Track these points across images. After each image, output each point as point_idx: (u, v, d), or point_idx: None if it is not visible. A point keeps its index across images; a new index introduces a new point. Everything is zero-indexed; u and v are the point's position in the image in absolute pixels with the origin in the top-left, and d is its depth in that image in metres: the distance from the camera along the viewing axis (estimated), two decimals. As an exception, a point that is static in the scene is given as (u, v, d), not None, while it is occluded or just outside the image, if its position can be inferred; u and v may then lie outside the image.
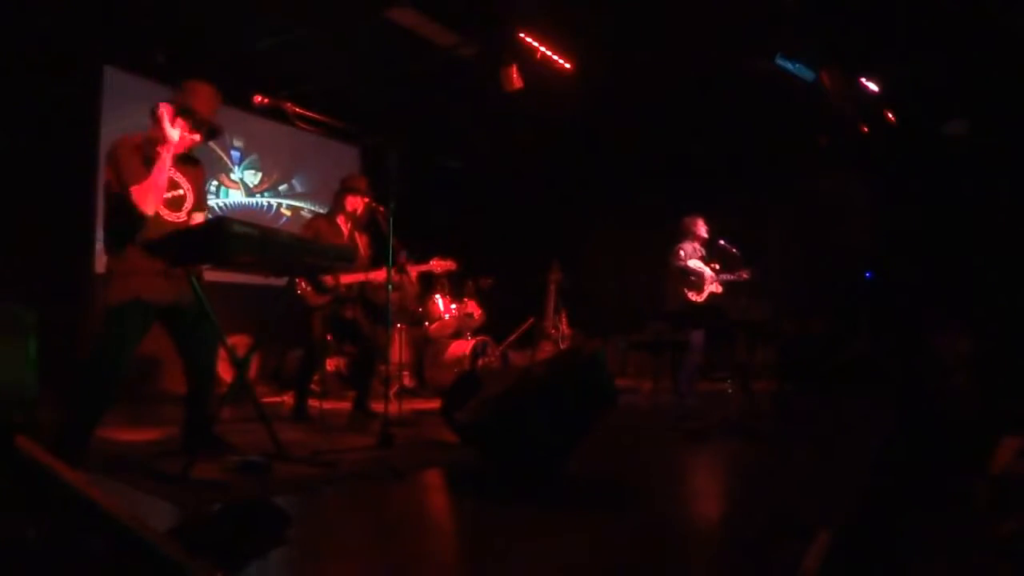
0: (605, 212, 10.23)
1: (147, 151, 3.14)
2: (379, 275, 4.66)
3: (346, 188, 4.82)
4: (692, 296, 6.40)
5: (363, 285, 4.80)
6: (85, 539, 1.41)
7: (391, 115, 8.11)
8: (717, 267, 6.61)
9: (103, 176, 3.22)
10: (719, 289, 6.49)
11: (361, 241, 4.90)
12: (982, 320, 6.88)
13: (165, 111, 3.16)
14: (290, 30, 6.12)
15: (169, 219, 3.20)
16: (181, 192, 3.31)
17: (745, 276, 6.53)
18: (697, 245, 6.55)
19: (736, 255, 6.63)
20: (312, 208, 8.15)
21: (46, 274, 5.41)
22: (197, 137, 3.32)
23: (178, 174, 3.30)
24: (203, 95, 3.29)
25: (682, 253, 6.43)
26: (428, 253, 5.31)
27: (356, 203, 4.79)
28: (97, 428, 3.09)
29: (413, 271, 5.06)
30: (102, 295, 3.15)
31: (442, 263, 5.09)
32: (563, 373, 3.12)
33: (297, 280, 4.65)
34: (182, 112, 3.22)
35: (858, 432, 4.55)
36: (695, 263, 6.44)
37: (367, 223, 4.92)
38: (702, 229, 6.62)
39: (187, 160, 3.37)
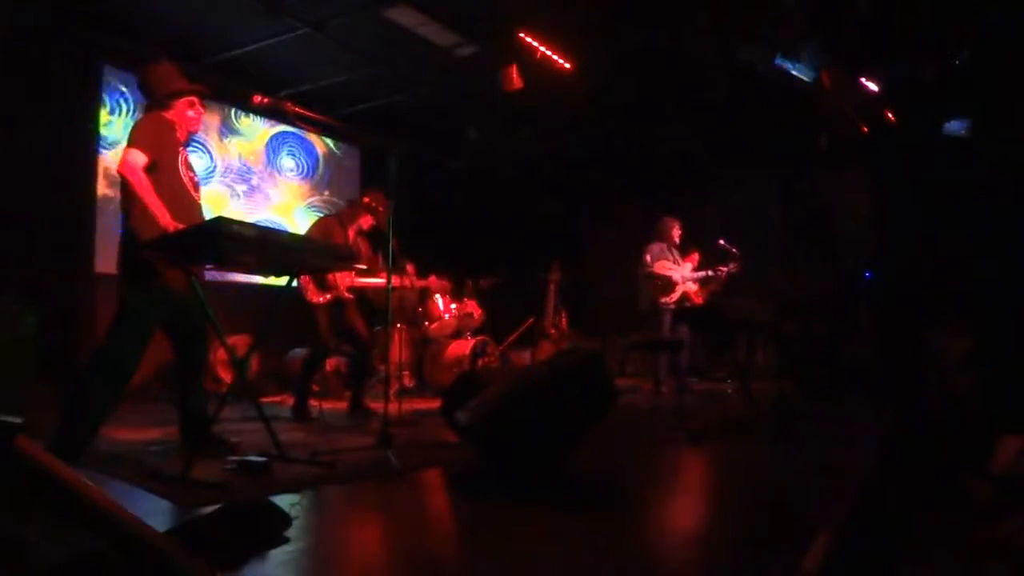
0: (605, 212, 10.23)
1: (168, 132, 3.25)
2: (379, 283, 4.75)
3: (367, 209, 5.00)
4: (663, 299, 6.47)
5: (363, 289, 4.89)
6: (85, 539, 1.41)
7: (391, 115, 8.11)
8: (691, 265, 6.66)
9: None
10: (694, 287, 6.54)
11: (364, 246, 5.04)
12: (982, 320, 6.88)
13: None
14: (290, 29, 6.12)
15: (195, 197, 3.31)
16: (196, 178, 3.40)
17: (722, 272, 6.57)
18: (664, 247, 6.62)
19: (736, 254, 6.64)
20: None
21: (46, 274, 5.41)
22: (201, 109, 3.42)
23: (188, 160, 3.39)
24: (164, 72, 3.33)
25: (648, 257, 6.53)
26: (427, 253, 5.33)
27: (369, 223, 5.02)
28: (104, 424, 3.08)
29: (413, 282, 5.13)
30: (126, 280, 3.12)
31: (440, 282, 5.21)
32: (563, 373, 3.12)
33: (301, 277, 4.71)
34: (176, 95, 3.30)
35: (858, 432, 4.55)
36: (666, 265, 6.49)
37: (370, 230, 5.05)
38: (675, 232, 6.71)
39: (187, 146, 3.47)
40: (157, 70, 3.33)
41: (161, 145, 3.17)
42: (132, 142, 3.08)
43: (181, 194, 3.20)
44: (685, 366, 6.73)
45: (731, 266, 6.56)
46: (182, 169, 3.26)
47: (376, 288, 4.94)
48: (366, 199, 5.03)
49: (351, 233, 4.98)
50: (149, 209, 2.99)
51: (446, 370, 6.68)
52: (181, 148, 3.32)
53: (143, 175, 3.03)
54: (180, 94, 3.32)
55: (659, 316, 6.53)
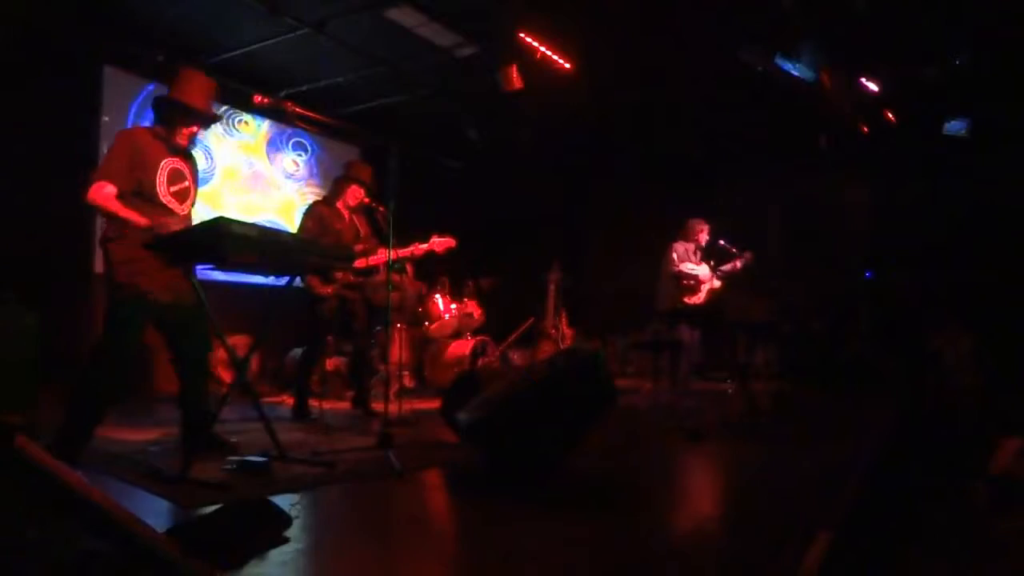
0: (605, 212, 10.22)
1: (149, 148, 3.17)
2: (380, 260, 4.69)
3: (352, 179, 4.85)
4: (688, 299, 6.42)
5: (364, 280, 4.83)
6: (85, 539, 1.41)
7: (391, 115, 8.11)
8: (712, 264, 6.63)
9: None
10: (718, 285, 6.51)
11: (361, 224, 4.95)
12: (983, 320, 6.89)
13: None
14: (290, 29, 6.12)
15: (177, 211, 3.23)
16: (186, 184, 3.32)
17: (739, 264, 6.53)
18: (691, 248, 6.56)
19: (736, 255, 6.64)
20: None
21: (46, 274, 5.40)
22: (195, 128, 3.34)
23: (183, 167, 3.32)
24: (198, 84, 3.30)
25: (675, 256, 6.46)
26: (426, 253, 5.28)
27: (359, 195, 4.82)
28: (99, 425, 3.09)
29: (415, 250, 5.00)
30: (107, 290, 3.13)
31: (442, 240, 5.05)
32: (563, 373, 3.12)
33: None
34: (179, 110, 3.23)
35: (858, 432, 4.55)
36: (689, 266, 6.46)
37: (363, 208, 4.93)
38: (703, 234, 6.64)
39: (186, 153, 3.39)
40: (194, 77, 3.29)
41: (139, 166, 3.10)
42: (101, 174, 3.03)
43: (161, 214, 3.10)
44: (689, 367, 6.70)
45: (746, 256, 6.53)
46: (162, 188, 3.17)
47: (376, 286, 4.88)
48: (349, 170, 4.91)
49: (345, 213, 4.84)
50: (127, 220, 3.00)
51: (446, 370, 6.68)
52: (166, 158, 3.21)
53: (112, 202, 3.01)
54: (195, 117, 3.26)
55: (679, 317, 6.48)
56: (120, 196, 3.04)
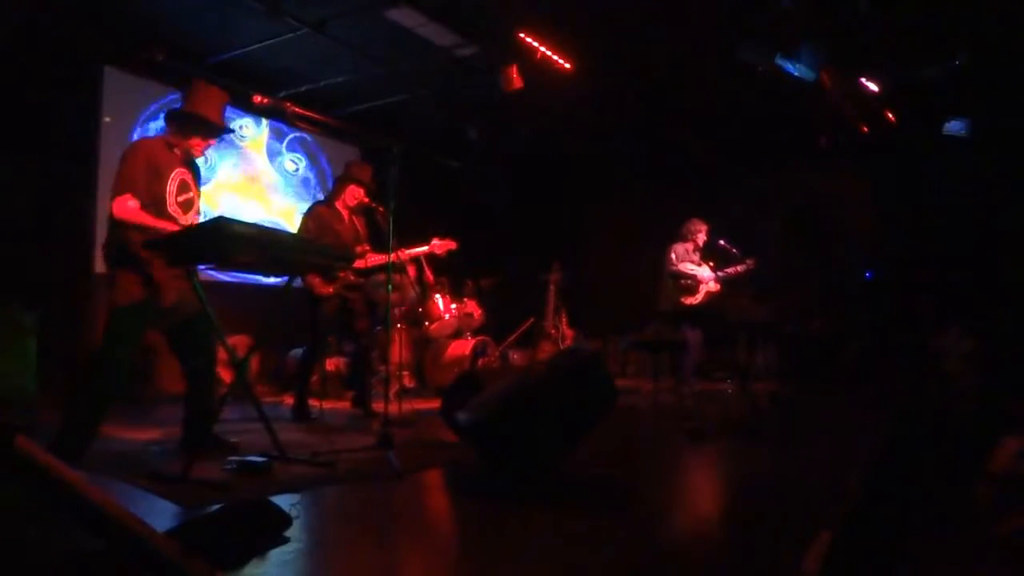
0: (605, 212, 10.22)
1: (161, 159, 3.20)
2: (379, 259, 4.69)
3: (351, 179, 4.85)
4: (686, 300, 6.42)
5: (365, 281, 4.83)
6: (85, 539, 1.41)
7: (391, 115, 8.11)
8: (713, 265, 6.63)
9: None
10: (717, 287, 6.51)
11: (359, 225, 4.96)
12: (984, 320, 6.88)
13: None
14: (290, 29, 6.12)
15: (182, 221, 3.24)
16: (191, 195, 3.35)
17: (741, 269, 6.53)
18: (690, 248, 6.57)
19: (736, 255, 6.64)
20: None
21: (46, 274, 5.40)
22: (211, 141, 3.39)
23: (189, 177, 3.34)
24: (213, 97, 3.32)
25: (673, 256, 6.47)
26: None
27: (359, 195, 4.81)
28: (101, 426, 3.09)
29: (413, 253, 4.99)
30: (107, 294, 3.14)
31: (443, 243, 5.06)
32: (563, 373, 3.12)
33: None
34: (195, 122, 3.26)
35: (858, 432, 4.55)
36: (688, 267, 6.46)
37: (362, 208, 4.94)
38: (701, 234, 6.64)
39: (193, 164, 3.41)
40: (209, 90, 3.32)
41: (153, 177, 3.13)
42: (122, 188, 3.06)
43: (167, 224, 3.14)
44: (690, 367, 6.71)
45: (749, 262, 6.53)
46: (170, 198, 3.20)
47: (376, 285, 4.88)
48: (349, 170, 4.91)
49: (345, 213, 4.84)
50: (159, 230, 3.03)
51: (446, 370, 6.68)
52: (177, 169, 3.25)
53: (140, 215, 3.06)
54: (208, 128, 3.30)
55: (680, 317, 6.48)
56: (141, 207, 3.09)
